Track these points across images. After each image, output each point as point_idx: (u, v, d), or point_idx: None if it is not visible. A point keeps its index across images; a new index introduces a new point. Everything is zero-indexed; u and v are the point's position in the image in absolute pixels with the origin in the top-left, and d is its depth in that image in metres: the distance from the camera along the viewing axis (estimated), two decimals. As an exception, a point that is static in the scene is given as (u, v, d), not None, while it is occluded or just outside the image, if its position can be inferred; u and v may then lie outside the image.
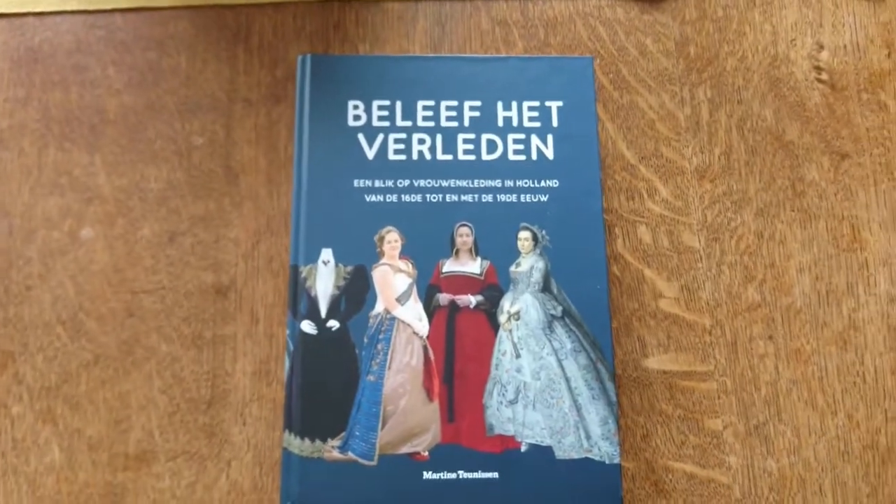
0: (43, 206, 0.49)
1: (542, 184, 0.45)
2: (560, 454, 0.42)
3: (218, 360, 0.47)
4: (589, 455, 0.42)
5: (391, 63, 0.48)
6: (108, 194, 0.49)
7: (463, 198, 0.45)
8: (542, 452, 0.42)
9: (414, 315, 0.44)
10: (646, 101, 0.52)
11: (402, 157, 0.46)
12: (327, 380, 0.43)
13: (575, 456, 0.42)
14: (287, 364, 0.43)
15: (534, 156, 0.46)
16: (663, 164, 0.50)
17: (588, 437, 0.42)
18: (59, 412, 0.46)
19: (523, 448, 0.42)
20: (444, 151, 0.46)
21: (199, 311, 0.47)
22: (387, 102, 0.47)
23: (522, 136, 0.46)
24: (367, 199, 0.45)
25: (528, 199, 0.45)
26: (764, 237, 0.49)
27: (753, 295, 0.48)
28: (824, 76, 0.52)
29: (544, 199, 0.45)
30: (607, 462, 0.42)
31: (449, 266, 0.44)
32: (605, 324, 0.44)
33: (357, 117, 0.46)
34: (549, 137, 0.46)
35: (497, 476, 0.42)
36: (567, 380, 0.43)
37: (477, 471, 0.42)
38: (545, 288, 0.44)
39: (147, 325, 0.47)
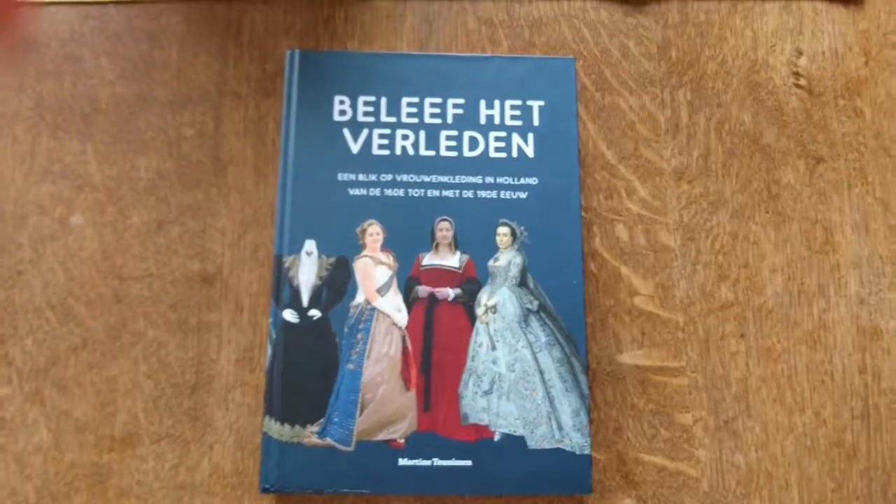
0: (35, 193, 0.50)
1: (522, 181, 0.47)
2: (532, 444, 0.44)
3: (203, 346, 0.48)
4: (560, 445, 0.44)
5: (378, 60, 0.49)
6: (99, 182, 0.50)
7: (444, 193, 0.46)
8: (514, 442, 0.44)
9: (393, 306, 0.45)
10: (627, 103, 0.53)
11: (386, 151, 0.47)
12: (307, 367, 0.44)
13: (547, 446, 0.44)
14: (269, 351, 0.44)
15: (514, 153, 0.47)
16: (642, 165, 0.52)
17: (560, 428, 0.44)
18: (47, 394, 0.47)
19: (496, 437, 0.44)
20: (427, 147, 0.47)
21: (186, 299, 0.49)
22: (372, 98, 0.48)
23: (504, 134, 0.47)
24: (351, 193, 0.46)
25: (507, 196, 0.46)
26: (738, 238, 0.51)
27: (727, 294, 0.50)
28: (802, 82, 0.53)
29: (523, 196, 0.46)
30: (578, 452, 0.44)
31: (429, 259, 0.46)
32: (580, 319, 0.45)
33: (343, 112, 0.47)
34: (530, 136, 0.47)
35: (470, 464, 0.43)
36: (541, 372, 0.45)
37: (451, 458, 0.43)
38: (522, 282, 0.45)
39: (134, 311, 0.48)
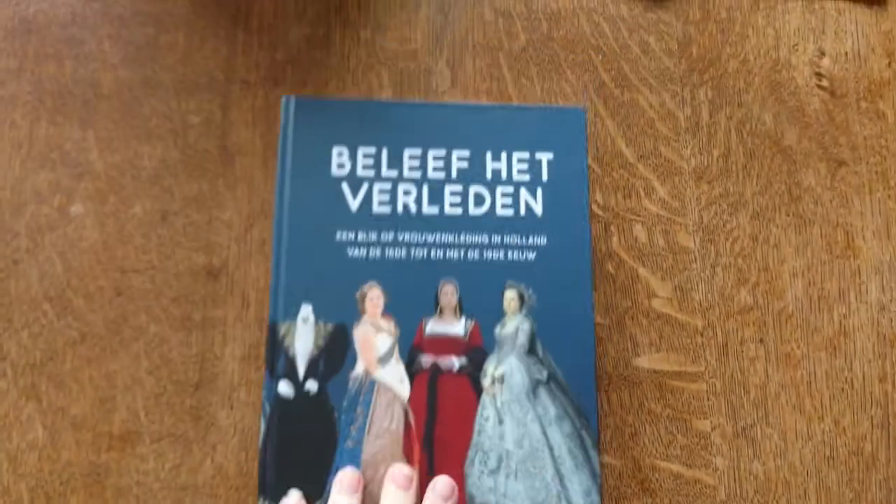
0: (33, 181, 0.48)
1: (531, 241, 0.44)
2: None
3: (207, 342, 0.46)
4: None
5: (379, 108, 0.46)
6: (101, 171, 0.48)
7: (448, 253, 0.44)
8: None
9: (395, 377, 0.42)
10: (646, 100, 0.51)
11: (387, 209, 0.44)
12: (304, 445, 0.41)
13: None
14: (262, 427, 0.41)
15: (522, 211, 0.44)
16: (661, 164, 0.50)
17: None
18: (43, 389, 0.45)
19: None
20: (431, 203, 0.44)
21: (190, 293, 0.47)
22: (372, 150, 0.44)
23: (511, 189, 0.45)
24: (350, 254, 0.43)
25: (515, 257, 0.44)
26: (759, 240, 0.49)
27: (746, 298, 0.49)
28: (825, 83, 0.52)
29: (532, 256, 0.44)
30: None
31: (432, 326, 0.43)
32: (591, 390, 0.42)
33: (341, 165, 0.44)
34: (539, 191, 0.45)
35: None
36: (550, 448, 0.42)
37: None
38: (530, 350, 0.43)
39: (136, 305, 0.46)
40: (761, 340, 0.48)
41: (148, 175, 0.48)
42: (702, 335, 0.48)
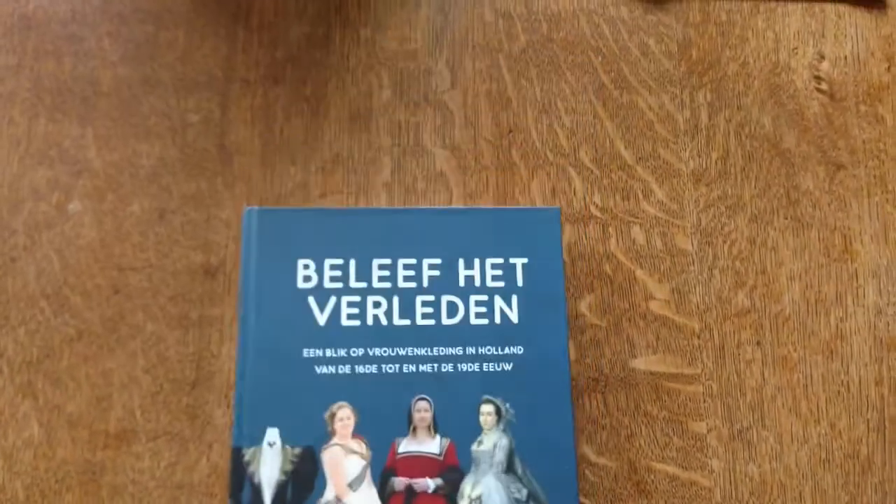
0: (31, 178, 0.48)
1: (507, 350, 0.42)
2: None
3: (204, 341, 0.46)
4: None
5: (345, 216, 0.45)
6: (99, 168, 0.48)
7: (421, 367, 0.42)
8: None
9: (368, 503, 0.40)
10: (645, 102, 0.51)
11: (356, 322, 0.42)
12: None
13: None
14: None
15: (497, 319, 0.43)
16: (660, 166, 0.50)
17: None
18: (39, 387, 0.45)
19: None
20: (402, 316, 0.43)
21: (187, 291, 0.47)
22: (340, 261, 0.43)
23: (485, 297, 0.43)
24: (318, 371, 0.41)
25: (490, 368, 0.42)
26: (756, 243, 0.50)
27: (743, 300, 0.49)
28: (824, 86, 0.52)
29: (508, 367, 0.42)
30: None
31: (405, 446, 0.41)
32: None
33: (307, 278, 0.43)
34: (514, 298, 0.43)
35: None
36: None
37: None
38: (509, 468, 0.40)
39: (133, 303, 0.46)
40: (758, 343, 0.48)
41: (146, 173, 0.48)
42: (699, 337, 0.48)
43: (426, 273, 0.43)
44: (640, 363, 0.47)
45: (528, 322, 0.43)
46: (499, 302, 0.43)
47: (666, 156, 0.51)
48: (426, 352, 0.42)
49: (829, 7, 0.54)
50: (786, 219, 0.50)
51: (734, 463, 0.46)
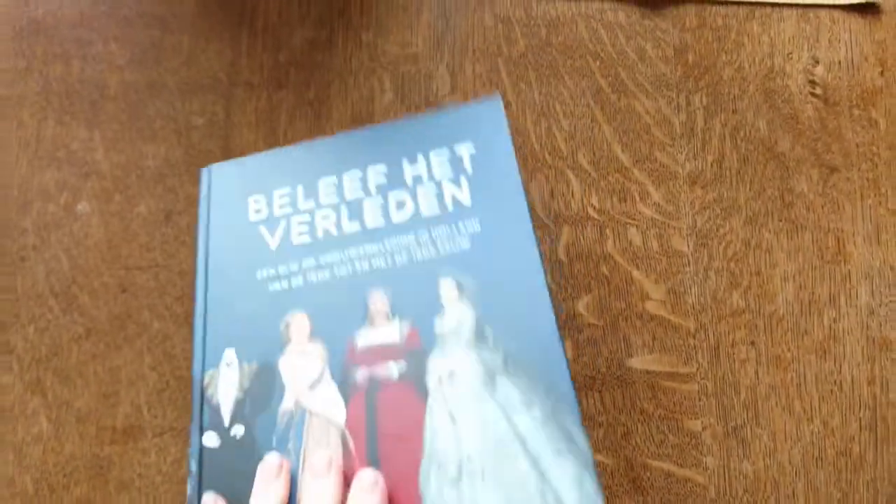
0: (40, 179, 0.49)
1: (462, 229, 0.40)
2: None
3: (209, 339, 0.47)
4: None
5: (291, 152, 0.44)
6: (106, 170, 0.49)
7: (374, 263, 0.40)
8: None
9: (328, 401, 0.38)
10: (642, 106, 0.52)
11: (307, 238, 0.41)
12: (235, 496, 0.36)
13: None
14: (188, 488, 0.37)
15: (450, 206, 0.41)
16: (656, 169, 0.51)
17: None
18: (48, 383, 0.46)
19: None
20: (351, 220, 0.42)
21: (192, 291, 0.48)
22: (287, 189, 0.43)
23: (433, 186, 0.41)
24: (271, 288, 0.40)
25: (447, 250, 0.40)
26: (751, 245, 0.50)
27: (738, 301, 0.50)
28: (818, 90, 0.53)
29: (466, 245, 0.40)
30: None
31: (364, 339, 0.38)
32: (561, 363, 0.36)
33: (258, 211, 0.43)
34: (464, 183, 0.41)
35: None
36: (521, 439, 0.35)
37: None
38: (479, 339, 0.37)
39: (139, 302, 0.47)
40: (752, 343, 0.49)
41: (152, 175, 0.49)
42: (694, 337, 0.49)
43: (372, 180, 0.42)
44: (637, 362, 0.48)
45: (482, 202, 0.40)
46: (449, 189, 0.41)
47: (662, 159, 0.52)
48: (378, 248, 0.40)
49: (823, 13, 0.54)
50: (780, 221, 0.51)
51: (728, 460, 0.47)
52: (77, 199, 0.49)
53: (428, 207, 0.41)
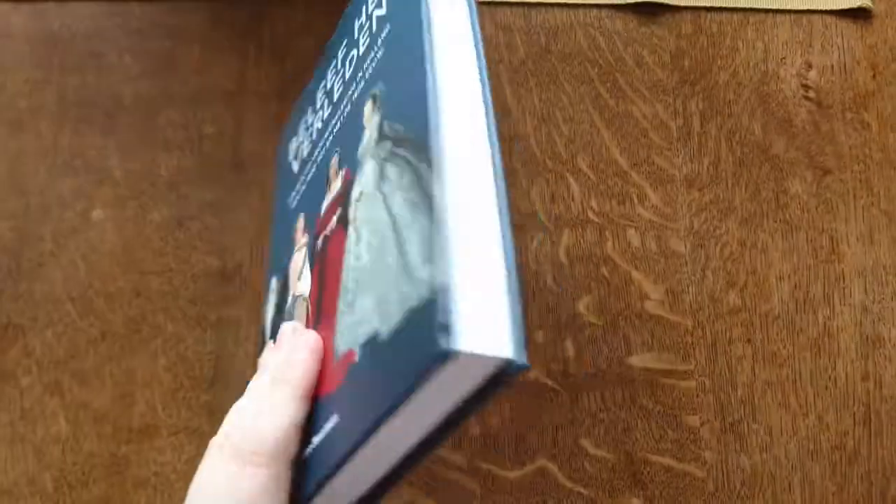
0: (57, 187, 0.50)
1: (380, 42, 0.35)
2: (385, 329, 0.25)
3: (221, 341, 0.49)
4: (411, 303, 0.24)
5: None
6: (120, 178, 0.51)
7: (334, 131, 0.38)
8: (373, 351, 0.26)
9: (305, 283, 0.35)
10: (640, 111, 0.54)
11: (306, 148, 0.43)
12: None
13: (397, 318, 0.24)
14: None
15: (374, 26, 0.36)
16: (654, 172, 0.53)
17: (409, 277, 0.24)
18: (66, 385, 0.48)
19: (357, 357, 0.27)
20: (327, 107, 0.41)
21: (205, 294, 0.49)
22: (311, 115, 0.44)
23: (367, 21, 0.38)
24: (292, 206, 0.42)
25: (370, 72, 0.35)
26: (747, 245, 0.52)
27: (735, 300, 0.51)
28: (811, 94, 0.54)
29: (380, 53, 0.34)
30: (427, 295, 0.23)
31: (324, 205, 0.36)
32: (422, 107, 0.27)
33: (297, 151, 0.45)
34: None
35: (335, 422, 0.28)
36: (393, 220, 0.27)
37: (320, 430, 0.29)
38: (380, 139, 0.31)
39: (154, 305, 0.49)
40: (749, 340, 0.50)
41: (165, 182, 0.51)
42: (692, 335, 0.50)
43: (341, 58, 0.41)
44: (636, 360, 0.50)
45: (393, 4, 0.35)
46: (375, 12, 0.37)
47: (660, 162, 0.53)
48: (337, 113, 0.39)
49: (816, 18, 0.56)
50: (775, 222, 0.52)
51: (726, 455, 0.49)
52: (93, 207, 0.50)
53: (363, 43, 0.37)
